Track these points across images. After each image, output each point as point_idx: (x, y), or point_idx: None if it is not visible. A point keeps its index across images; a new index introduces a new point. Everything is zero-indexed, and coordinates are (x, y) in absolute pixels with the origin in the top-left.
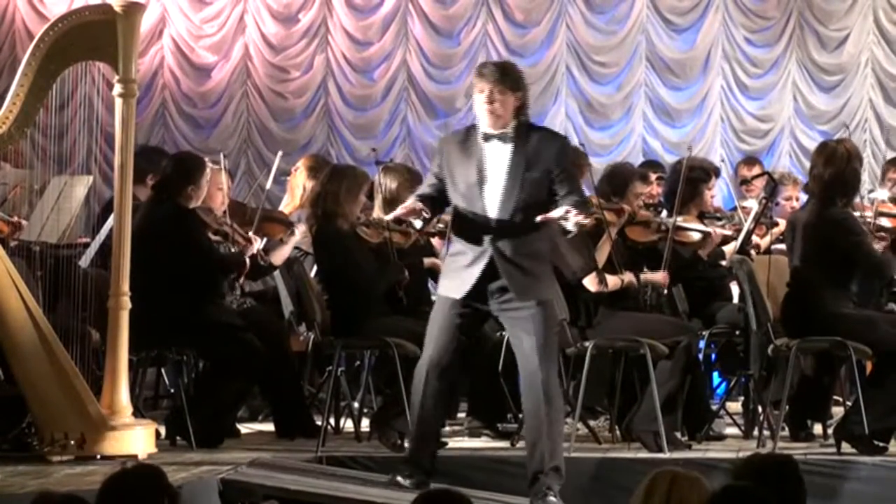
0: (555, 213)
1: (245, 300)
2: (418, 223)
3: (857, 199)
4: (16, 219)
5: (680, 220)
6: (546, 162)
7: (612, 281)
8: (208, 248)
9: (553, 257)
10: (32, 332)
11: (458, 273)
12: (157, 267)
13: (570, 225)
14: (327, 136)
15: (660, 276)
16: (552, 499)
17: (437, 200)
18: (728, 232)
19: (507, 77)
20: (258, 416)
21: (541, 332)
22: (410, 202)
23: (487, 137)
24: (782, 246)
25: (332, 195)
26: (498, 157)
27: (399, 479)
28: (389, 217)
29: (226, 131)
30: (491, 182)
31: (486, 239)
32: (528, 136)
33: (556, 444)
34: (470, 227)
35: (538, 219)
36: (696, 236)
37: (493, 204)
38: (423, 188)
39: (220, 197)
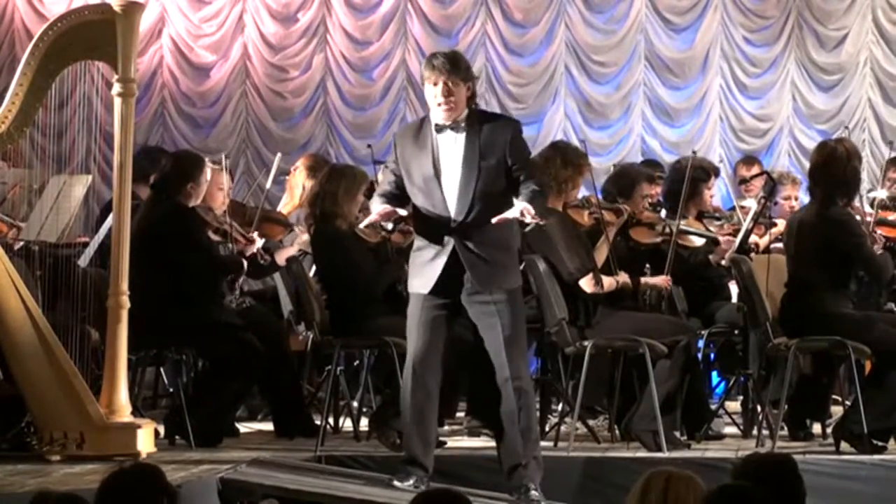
0: (509, 214)
1: (244, 300)
2: (389, 225)
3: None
4: (14, 229)
5: (684, 224)
6: (501, 148)
7: (608, 282)
8: (208, 246)
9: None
10: (31, 332)
11: (422, 268)
12: (156, 266)
13: (527, 219)
14: (326, 136)
15: (661, 280)
16: (534, 493)
17: (399, 197)
18: (733, 238)
19: (458, 68)
20: (257, 415)
21: (507, 324)
22: (380, 206)
23: (440, 129)
24: (781, 245)
25: (330, 195)
26: (452, 148)
27: (397, 479)
28: (363, 224)
29: (225, 131)
30: (447, 173)
31: (447, 231)
32: (480, 124)
33: (530, 434)
34: (430, 220)
35: (493, 220)
36: (699, 241)
37: (451, 195)
38: (384, 186)
39: (220, 196)
